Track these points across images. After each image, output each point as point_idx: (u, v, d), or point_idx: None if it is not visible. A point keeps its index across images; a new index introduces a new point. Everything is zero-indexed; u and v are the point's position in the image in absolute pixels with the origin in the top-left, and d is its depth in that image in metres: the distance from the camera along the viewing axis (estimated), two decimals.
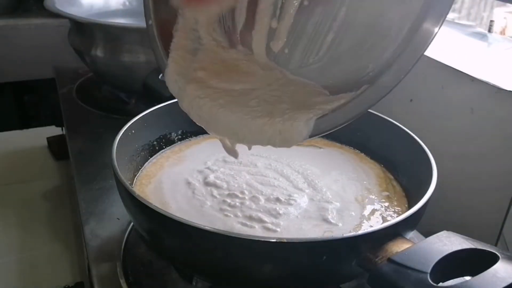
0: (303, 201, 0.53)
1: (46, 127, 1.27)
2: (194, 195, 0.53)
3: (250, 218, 0.49)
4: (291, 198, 0.53)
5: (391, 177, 0.59)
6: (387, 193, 0.56)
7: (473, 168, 0.64)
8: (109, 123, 0.86)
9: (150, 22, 0.46)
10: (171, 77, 0.45)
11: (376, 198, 0.54)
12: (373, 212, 0.52)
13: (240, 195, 0.53)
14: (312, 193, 0.54)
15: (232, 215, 0.50)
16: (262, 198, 0.52)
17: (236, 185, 0.55)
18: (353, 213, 0.51)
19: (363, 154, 0.64)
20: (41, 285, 0.84)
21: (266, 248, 0.39)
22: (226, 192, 0.53)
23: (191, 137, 0.66)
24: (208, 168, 0.58)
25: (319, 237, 0.45)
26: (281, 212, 0.50)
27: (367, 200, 0.54)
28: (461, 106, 0.65)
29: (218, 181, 0.55)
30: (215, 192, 0.54)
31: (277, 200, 0.52)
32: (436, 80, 0.69)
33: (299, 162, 0.61)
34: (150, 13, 0.46)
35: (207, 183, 0.55)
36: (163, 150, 0.63)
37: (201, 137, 0.66)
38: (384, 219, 0.51)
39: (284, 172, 0.58)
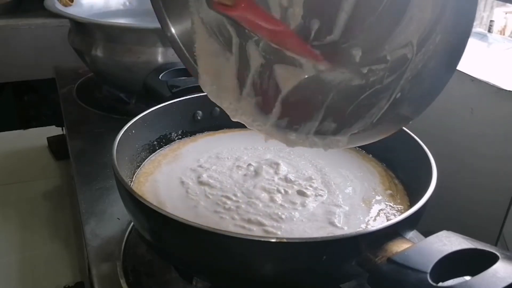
0: (312, 204, 0.52)
1: (46, 127, 1.28)
2: (188, 195, 0.53)
3: (249, 221, 0.49)
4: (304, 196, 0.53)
5: (393, 175, 0.59)
6: (390, 192, 0.56)
7: (473, 168, 0.65)
8: (109, 123, 0.86)
9: (169, 33, 0.46)
10: (206, 89, 0.45)
11: (381, 198, 0.54)
12: (379, 213, 0.52)
13: (234, 198, 0.53)
14: (325, 194, 0.54)
15: (228, 217, 0.49)
16: (259, 203, 0.52)
17: (228, 186, 0.54)
18: (361, 216, 0.51)
19: (364, 151, 0.64)
20: (41, 285, 0.84)
21: (266, 248, 0.39)
22: (220, 193, 0.53)
23: (191, 137, 0.66)
24: (201, 166, 0.58)
25: (319, 237, 0.45)
26: (283, 216, 0.50)
27: (373, 201, 0.54)
28: (461, 106, 0.65)
29: (211, 181, 0.55)
30: (208, 192, 0.54)
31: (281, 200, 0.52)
32: None
33: (304, 160, 0.61)
34: (168, 24, 0.46)
35: (200, 183, 0.55)
36: (162, 148, 0.63)
37: (198, 135, 0.67)
38: (389, 219, 0.51)
39: (290, 170, 0.58)
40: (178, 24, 0.47)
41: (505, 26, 0.88)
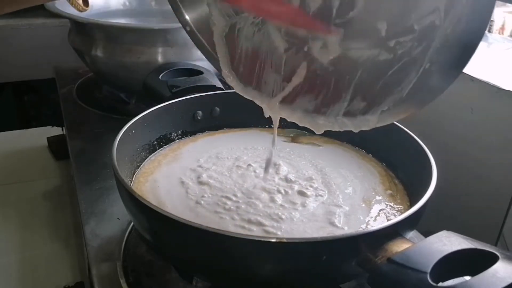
0: (312, 205, 0.52)
1: (46, 127, 1.28)
2: (187, 195, 0.53)
3: (249, 221, 0.49)
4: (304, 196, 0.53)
5: (393, 175, 0.59)
6: (390, 192, 0.56)
7: (473, 168, 0.65)
8: (109, 123, 0.86)
9: (188, 28, 0.46)
10: (230, 82, 0.45)
11: (381, 198, 0.54)
12: (379, 213, 0.52)
13: (234, 198, 0.53)
14: (325, 194, 0.54)
15: (228, 217, 0.50)
16: (259, 203, 0.52)
17: (228, 186, 0.54)
18: (361, 217, 0.51)
19: (363, 151, 0.64)
20: (41, 285, 0.84)
21: (266, 248, 0.39)
22: (220, 193, 0.53)
23: (191, 137, 0.66)
24: (201, 166, 0.58)
25: (319, 237, 0.45)
26: (283, 216, 0.50)
27: (374, 201, 0.54)
28: (461, 106, 0.65)
29: (211, 181, 0.55)
30: (208, 192, 0.53)
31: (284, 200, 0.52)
32: None
33: (305, 160, 0.61)
34: (186, 19, 0.46)
35: (200, 183, 0.55)
36: (162, 148, 0.63)
37: (198, 135, 0.67)
38: (389, 219, 0.51)
39: (292, 171, 0.58)
40: (192, 10, 0.46)
41: (503, 25, 0.88)
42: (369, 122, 0.42)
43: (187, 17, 0.46)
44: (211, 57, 0.46)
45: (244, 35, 0.44)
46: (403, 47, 0.38)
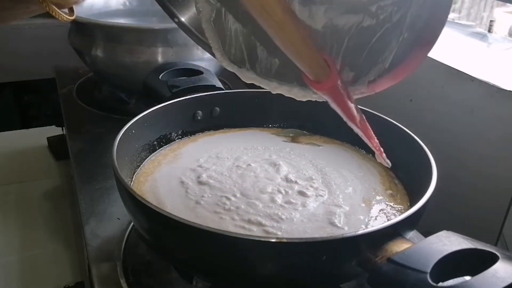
0: (312, 205, 0.52)
1: (46, 127, 1.27)
2: (187, 195, 0.53)
3: (249, 222, 0.49)
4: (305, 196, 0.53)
5: (393, 175, 0.59)
6: (390, 192, 0.56)
7: (473, 168, 0.65)
8: (109, 123, 0.86)
9: (176, 20, 0.46)
10: (225, 66, 0.45)
11: (381, 198, 0.54)
12: (379, 213, 0.52)
13: (233, 198, 0.53)
14: (325, 194, 0.54)
15: (228, 218, 0.49)
16: (259, 203, 0.52)
17: (228, 186, 0.54)
18: (361, 216, 0.51)
19: (363, 151, 0.64)
20: (41, 285, 0.84)
21: (266, 248, 0.39)
22: (220, 193, 0.53)
23: (191, 137, 0.66)
24: (201, 166, 0.58)
25: (318, 237, 0.45)
26: (283, 217, 0.50)
27: (374, 201, 0.54)
28: (461, 106, 0.65)
29: (211, 181, 0.55)
30: (208, 192, 0.53)
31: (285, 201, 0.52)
32: (436, 80, 0.69)
33: (305, 160, 0.61)
34: (172, 11, 0.46)
35: (200, 183, 0.55)
36: (162, 148, 0.63)
37: (198, 135, 0.67)
38: (389, 219, 0.51)
39: (293, 171, 0.58)
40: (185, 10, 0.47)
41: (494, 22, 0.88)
42: (359, 92, 0.43)
43: (173, 9, 0.46)
44: (204, 44, 0.47)
45: (231, 17, 0.44)
46: (384, 12, 0.39)
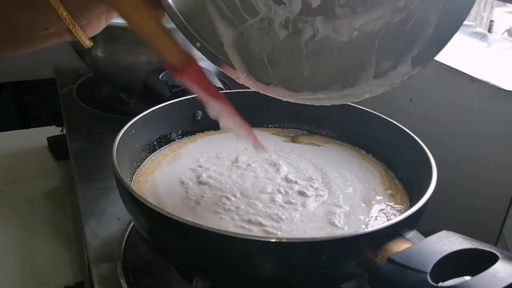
0: (312, 205, 0.52)
1: (46, 127, 1.28)
2: (187, 195, 0.53)
3: (249, 222, 0.49)
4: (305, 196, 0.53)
5: (393, 175, 0.59)
6: (390, 192, 0.56)
7: (473, 168, 0.65)
8: (109, 123, 0.86)
9: (198, 44, 0.47)
10: (251, 86, 0.47)
11: (382, 198, 0.54)
12: (379, 213, 0.52)
13: (233, 198, 0.53)
14: (325, 194, 0.54)
15: (228, 218, 0.49)
16: (259, 203, 0.52)
17: (228, 186, 0.54)
18: (361, 216, 0.51)
19: (363, 151, 0.64)
20: (41, 285, 0.84)
21: (266, 248, 0.39)
22: (220, 194, 0.53)
23: (191, 137, 0.66)
24: (201, 166, 0.58)
25: (318, 237, 0.45)
26: (283, 217, 0.50)
27: (374, 201, 0.54)
28: (461, 106, 0.65)
29: (211, 181, 0.55)
30: (208, 192, 0.53)
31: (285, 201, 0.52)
32: (436, 80, 0.69)
33: (305, 160, 0.61)
34: (193, 35, 0.46)
35: (200, 183, 0.55)
36: (162, 148, 0.63)
37: (198, 135, 0.67)
38: (389, 219, 0.51)
39: (292, 170, 0.58)
40: (197, 25, 0.47)
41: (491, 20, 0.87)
42: (402, 73, 0.41)
43: (194, 33, 0.46)
44: (224, 64, 0.47)
45: (254, 41, 0.45)
46: (414, 1, 0.39)
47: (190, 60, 0.45)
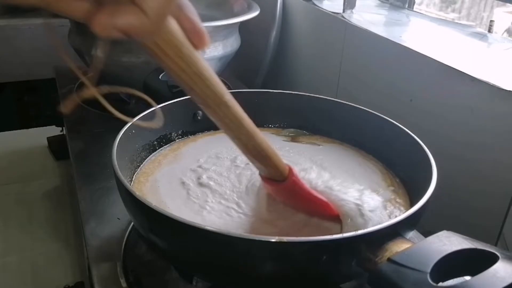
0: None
1: (46, 127, 1.28)
2: (188, 196, 0.53)
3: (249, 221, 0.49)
4: None
5: (393, 175, 0.59)
6: (392, 188, 0.56)
7: (473, 168, 0.64)
8: (109, 123, 0.85)
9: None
10: None
11: (385, 191, 0.55)
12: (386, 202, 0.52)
13: (233, 198, 0.52)
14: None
15: (228, 218, 0.49)
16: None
17: (228, 185, 0.54)
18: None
19: (363, 151, 0.64)
20: (41, 285, 0.84)
21: (266, 248, 0.39)
22: (220, 194, 0.53)
23: (191, 136, 0.66)
24: (201, 166, 0.58)
25: (319, 237, 0.45)
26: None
27: (379, 194, 0.54)
28: (461, 106, 0.65)
29: (211, 182, 0.55)
30: (208, 192, 0.53)
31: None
32: (436, 80, 0.69)
33: (304, 157, 0.61)
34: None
35: (200, 184, 0.55)
36: (162, 148, 0.63)
37: (198, 134, 0.67)
38: (391, 217, 0.51)
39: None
40: None
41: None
42: None
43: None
44: None
45: None
46: None
47: (291, 170, 0.45)
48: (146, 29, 0.28)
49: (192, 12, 0.34)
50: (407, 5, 0.98)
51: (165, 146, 0.63)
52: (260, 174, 0.47)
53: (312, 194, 0.47)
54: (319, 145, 0.66)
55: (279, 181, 0.46)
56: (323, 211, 0.47)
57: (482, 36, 0.80)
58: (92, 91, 0.34)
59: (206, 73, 0.36)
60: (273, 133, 0.69)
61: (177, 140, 0.65)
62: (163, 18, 0.30)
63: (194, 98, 0.37)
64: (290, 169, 0.45)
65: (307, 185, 0.47)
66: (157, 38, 0.31)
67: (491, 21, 0.82)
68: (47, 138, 1.22)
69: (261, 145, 0.43)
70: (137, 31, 0.28)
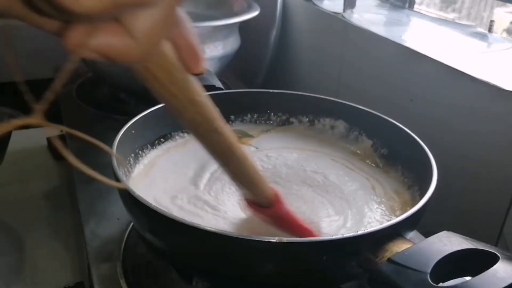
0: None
1: (46, 127, 1.27)
2: (190, 197, 0.53)
3: None
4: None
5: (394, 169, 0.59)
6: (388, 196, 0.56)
7: (473, 168, 0.64)
8: (109, 123, 0.86)
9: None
10: None
11: (382, 198, 0.54)
12: (379, 213, 0.52)
13: (233, 198, 0.52)
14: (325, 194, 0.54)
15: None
16: None
17: (227, 185, 0.54)
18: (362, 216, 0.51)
19: (359, 151, 0.64)
20: (41, 285, 0.84)
21: (266, 248, 0.39)
22: (220, 193, 0.53)
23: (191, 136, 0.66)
24: (200, 166, 0.58)
25: (319, 237, 0.45)
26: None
27: (374, 200, 0.54)
28: (461, 106, 0.65)
29: (211, 182, 0.55)
30: (208, 192, 0.53)
31: None
32: (436, 80, 0.69)
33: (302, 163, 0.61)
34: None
35: (201, 185, 0.55)
36: (162, 148, 0.63)
37: None
38: (390, 219, 0.51)
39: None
40: None
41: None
42: None
43: None
44: None
45: None
46: None
47: (277, 196, 0.43)
48: (132, 54, 0.24)
49: (189, 28, 0.29)
50: (407, 5, 0.98)
51: (165, 146, 0.63)
52: (244, 198, 0.45)
53: (297, 221, 0.45)
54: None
55: (263, 207, 0.44)
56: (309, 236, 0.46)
57: (482, 36, 0.79)
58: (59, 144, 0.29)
59: (199, 99, 0.32)
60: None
61: (178, 139, 0.65)
62: (154, 44, 0.24)
63: (183, 123, 0.34)
64: (276, 195, 0.43)
65: (292, 212, 0.45)
66: (146, 62, 0.27)
67: (491, 21, 0.82)
68: (47, 138, 1.22)
69: (249, 172, 0.40)
70: (120, 56, 0.24)
